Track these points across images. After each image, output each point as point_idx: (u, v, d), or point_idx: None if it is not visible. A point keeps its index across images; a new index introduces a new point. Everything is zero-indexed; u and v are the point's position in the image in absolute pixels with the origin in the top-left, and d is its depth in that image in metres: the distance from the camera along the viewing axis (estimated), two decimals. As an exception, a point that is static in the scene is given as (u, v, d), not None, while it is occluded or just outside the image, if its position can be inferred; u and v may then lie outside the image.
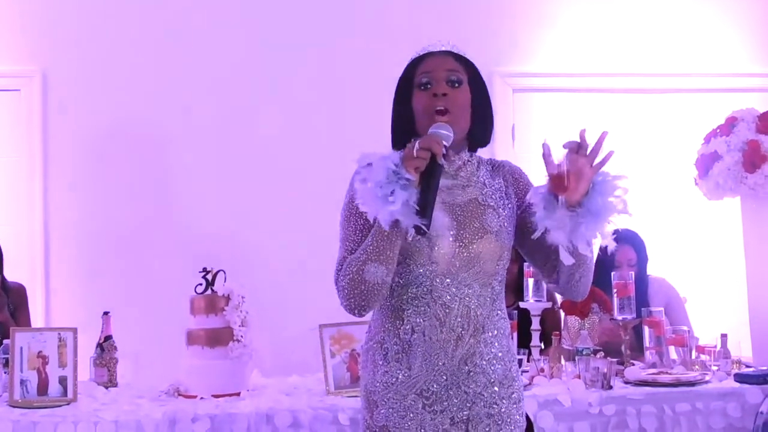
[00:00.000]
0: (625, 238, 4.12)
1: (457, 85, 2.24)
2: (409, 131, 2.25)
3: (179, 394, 3.30)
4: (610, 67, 4.90)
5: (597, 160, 2.09)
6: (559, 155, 2.10)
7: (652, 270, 4.20)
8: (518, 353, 3.47)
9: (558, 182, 2.08)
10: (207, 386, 3.27)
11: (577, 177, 2.07)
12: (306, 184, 4.51)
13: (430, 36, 2.34)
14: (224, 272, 3.49)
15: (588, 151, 2.08)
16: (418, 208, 2.05)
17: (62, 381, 3.22)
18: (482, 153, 2.39)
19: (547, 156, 2.10)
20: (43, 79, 4.58)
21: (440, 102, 2.20)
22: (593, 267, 2.28)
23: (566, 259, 2.14)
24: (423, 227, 2.05)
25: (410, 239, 2.13)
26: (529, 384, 3.31)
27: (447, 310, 2.19)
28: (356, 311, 2.19)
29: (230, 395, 3.25)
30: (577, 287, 2.26)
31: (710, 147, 3.87)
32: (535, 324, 3.66)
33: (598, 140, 2.09)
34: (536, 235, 2.15)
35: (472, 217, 2.22)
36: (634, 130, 4.95)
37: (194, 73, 4.63)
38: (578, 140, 2.08)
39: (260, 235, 4.56)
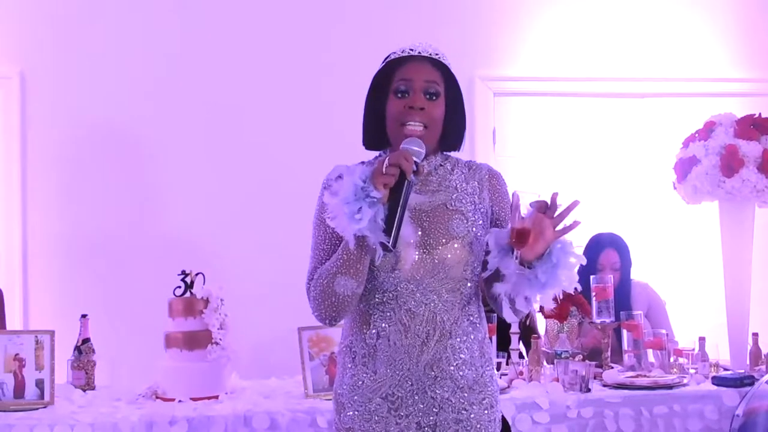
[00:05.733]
0: (610, 241, 4.14)
1: (434, 98, 2.21)
2: (380, 132, 2.25)
3: (157, 397, 3.29)
4: (591, 71, 4.92)
5: (560, 227, 2.07)
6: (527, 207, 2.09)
7: (633, 274, 4.21)
8: (497, 356, 3.49)
9: (519, 236, 2.07)
10: (185, 389, 3.25)
11: (537, 236, 2.06)
12: (285, 186, 4.50)
13: (412, 40, 2.32)
14: (203, 275, 3.47)
15: (555, 214, 2.07)
16: (385, 225, 2.04)
17: (39, 384, 3.20)
18: (463, 156, 2.39)
19: (515, 207, 2.09)
20: (22, 80, 4.54)
21: (416, 116, 2.18)
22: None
23: (509, 316, 2.17)
24: (388, 245, 2.05)
25: (378, 259, 2.12)
26: (508, 387, 3.31)
27: (412, 316, 2.18)
28: (327, 321, 2.20)
29: (208, 398, 3.24)
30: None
31: (689, 151, 3.89)
32: (515, 327, 3.67)
33: (567, 207, 2.07)
34: (486, 274, 2.19)
35: (437, 222, 2.20)
36: (614, 134, 4.98)
37: (175, 76, 4.61)
38: (548, 201, 2.07)
39: (239, 237, 4.54)
